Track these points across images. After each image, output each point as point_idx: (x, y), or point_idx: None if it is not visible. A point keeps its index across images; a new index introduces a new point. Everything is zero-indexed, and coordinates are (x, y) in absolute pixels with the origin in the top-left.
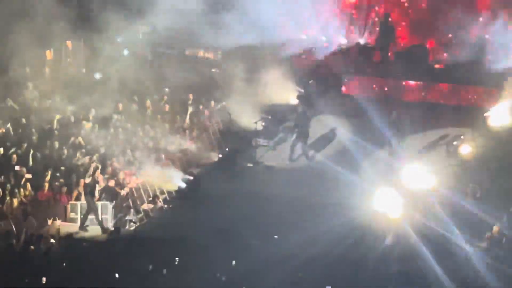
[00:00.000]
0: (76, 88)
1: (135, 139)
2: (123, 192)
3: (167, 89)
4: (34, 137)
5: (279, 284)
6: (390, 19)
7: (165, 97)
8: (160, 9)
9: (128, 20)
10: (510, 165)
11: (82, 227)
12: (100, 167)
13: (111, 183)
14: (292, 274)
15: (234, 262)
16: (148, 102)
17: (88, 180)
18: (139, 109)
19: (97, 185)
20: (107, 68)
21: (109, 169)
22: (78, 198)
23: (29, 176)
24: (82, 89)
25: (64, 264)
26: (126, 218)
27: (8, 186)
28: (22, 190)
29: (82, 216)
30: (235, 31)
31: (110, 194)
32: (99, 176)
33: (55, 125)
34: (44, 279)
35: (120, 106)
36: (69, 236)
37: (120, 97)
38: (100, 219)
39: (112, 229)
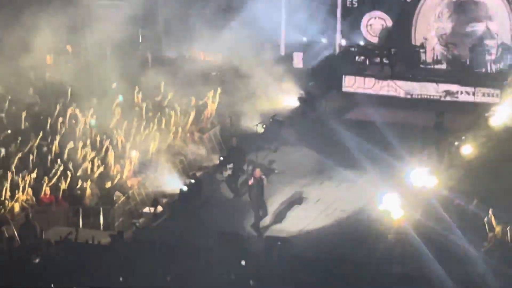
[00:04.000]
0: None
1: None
2: (124, 196)
3: (169, 93)
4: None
5: (285, 283)
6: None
7: (166, 100)
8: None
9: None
10: (511, 166)
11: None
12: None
13: (109, 186)
14: (295, 275)
15: (243, 262)
16: (149, 104)
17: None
18: (139, 112)
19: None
20: (108, 71)
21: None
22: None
23: (30, 178)
24: (82, 90)
25: (67, 268)
26: (131, 222)
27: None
28: (22, 194)
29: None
30: (233, 33)
31: (110, 198)
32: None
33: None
34: (50, 284)
35: (121, 109)
36: (71, 240)
37: (120, 100)
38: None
39: (115, 233)
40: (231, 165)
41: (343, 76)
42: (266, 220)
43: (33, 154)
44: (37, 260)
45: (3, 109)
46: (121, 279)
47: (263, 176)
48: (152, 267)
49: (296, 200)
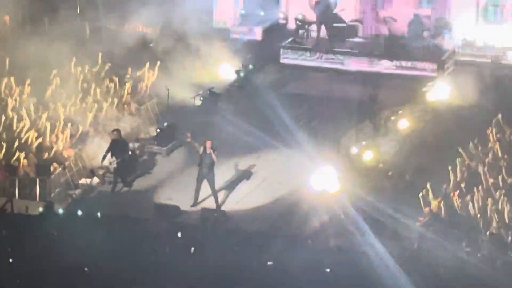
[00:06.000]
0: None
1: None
2: (59, 167)
3: (107, 65)
4: None
5: (221, 256)
6: None
7: (103, 72)
8: None
9: None
10: (447, 141)
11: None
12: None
13: (46, 157)
14: (231, 247)
15: (179, 234)
16: (87, 76)
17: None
18: (76, 83)
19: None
20: (43, 42)
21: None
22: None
23: None
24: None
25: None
26: (67, 193)
27: None
28: None
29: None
30: (171, 5)
31: (47, 169)
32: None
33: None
34: None
35: (58, 80)
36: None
37: (57, 71)
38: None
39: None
40: (113, 159)
41: (280, 49)
42: (203, 193)
43: None
44: None
45: None
46: (56, 251)
47: (214, 153)
48: (87, 239)
49: (233, 174)
